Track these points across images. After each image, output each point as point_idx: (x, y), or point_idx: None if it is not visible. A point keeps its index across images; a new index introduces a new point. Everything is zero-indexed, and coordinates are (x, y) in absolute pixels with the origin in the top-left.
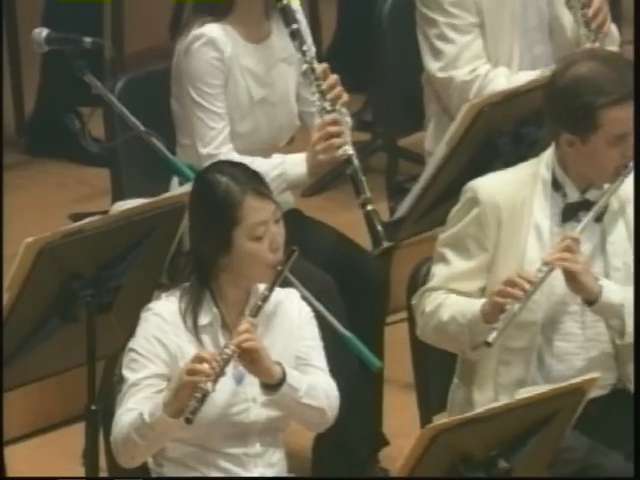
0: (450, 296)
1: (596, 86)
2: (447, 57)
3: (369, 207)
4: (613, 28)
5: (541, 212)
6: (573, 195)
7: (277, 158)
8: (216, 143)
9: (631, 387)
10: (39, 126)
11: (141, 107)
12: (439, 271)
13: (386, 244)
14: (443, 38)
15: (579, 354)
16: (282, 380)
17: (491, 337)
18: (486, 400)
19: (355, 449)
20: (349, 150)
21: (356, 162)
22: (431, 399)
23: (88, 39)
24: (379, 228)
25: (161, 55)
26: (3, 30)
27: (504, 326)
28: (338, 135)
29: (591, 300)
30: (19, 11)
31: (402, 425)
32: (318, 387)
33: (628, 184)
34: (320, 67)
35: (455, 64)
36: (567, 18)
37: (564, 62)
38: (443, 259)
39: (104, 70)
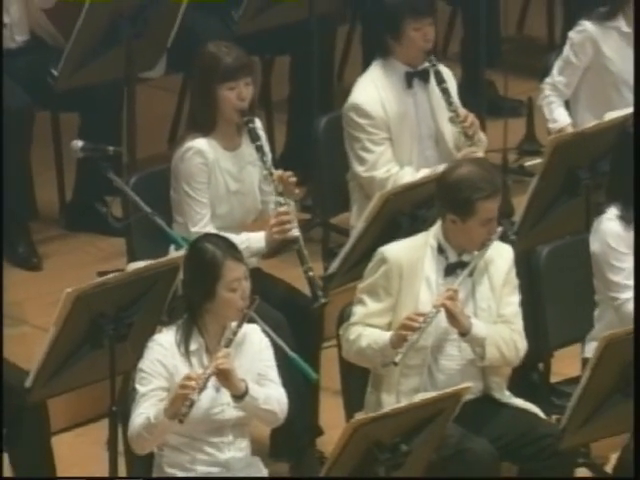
0: (367, 328)
1: (473, 184)
2: (369, 163)
3: (310, 273)
4: (482, 135)
5: (430, 269)
6: (452, 257)
7: (244, 235)
8: (201, 224)
9: (494, 393)
10: (75, 209)
11: (147, 196)
12: (358, 311)
13: (322, 300)
14: (365, 149)
15: (457, 369)
16: (245, 393)
17: (397, 358)
18: (391, 402)
19: (299, 437)
20: (296, 232)
21: (301, 241)
22: (353, 401)
23: (111, 148)
24: (317, 289)
25: (162, 160)
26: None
27: (407, 350)
28: (288, 222)
29: (464, 333)
30: (62, 126)
31: (333, 420)
32: (272, 397)
33: (491, 250)
34: (276, 173)
35: (375, 167)
36: (447, 130)
37: (450, 165)
38: (361, 302)
39: (122, 170)
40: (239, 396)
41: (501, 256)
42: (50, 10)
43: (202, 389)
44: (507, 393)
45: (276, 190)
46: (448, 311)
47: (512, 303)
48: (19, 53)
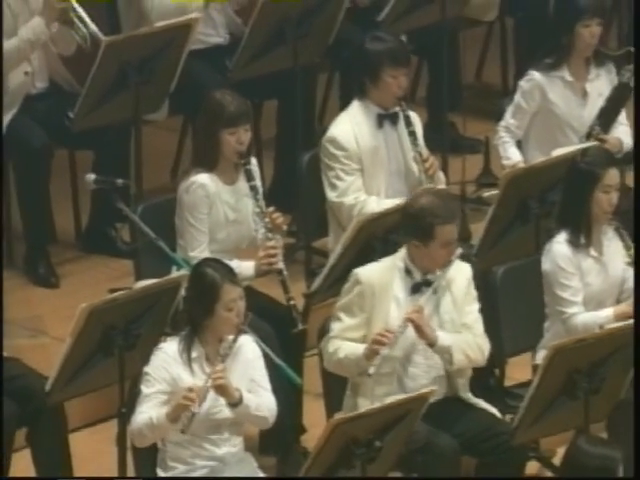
0: (344, 342)
1: (432, 212)
2: (339, 190)
3: (292, 302)
4: (441, 174)
5: (398, 288)
6: (418, 277)
7: (236, 262)
8: (199, 250)
9: (460, 394)
10: (90, 234)
11: (152, 223)
12: (336, 326)
13: (300, 327)
14: (338, 178)
15: (424, 376)
16: (240, 401)
17: (371, 370)
18: (366, 405)
19: (286, 435)
20: (281, 265)
21: (284, 272)
22: (332, 403)
23: (120, 181)
24: (297, 317)
25: (165, 191)
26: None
27: (379, 362)
28: (275, 255)
29: (431, 344)
30: (78, 162)
31: (315, 419)
32: (263, 404)
33: (451, 269)
34: (268, 212)
35: (345, 194)
36: (415, 167)
37: (413, 196)
38: (338, 318)
39: (130, 200)
40: (234, 404)
41: (461, 273)
42: (68, 59)
43: (202, 401)
44: (470, 394)
45: (266, 226)
46: (415, 325)
47: (472, 312)
48: (40, 98)
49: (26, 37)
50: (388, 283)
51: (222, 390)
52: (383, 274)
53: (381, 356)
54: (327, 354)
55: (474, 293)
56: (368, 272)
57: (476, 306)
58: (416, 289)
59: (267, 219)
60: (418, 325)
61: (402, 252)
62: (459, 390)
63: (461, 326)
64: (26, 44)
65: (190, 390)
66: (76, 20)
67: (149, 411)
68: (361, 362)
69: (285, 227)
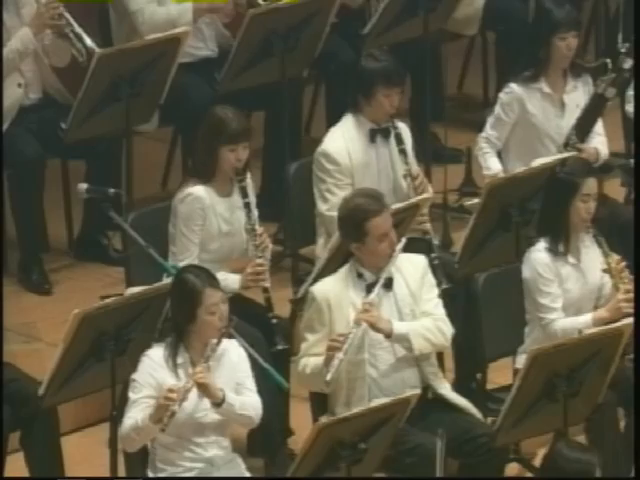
0: (309, 358)
1: (357, 210)
2: (331, 203)
3: (274, 321)
4: (430, 189)
5: (354, 294)
6: (369, 278)
7: (222, 275)
8: (189, 260)
9: (433, 384)
10: (82, 242)
11: (143, 231)
12: (303, 346)
13: (280, 347)
14: (329, 191)
15: (396, 370)
16: (223, 400)
17: (328, 376)
18: (345, 411)
19: (273, 437)
20: (267, 284)
21: (270, 291)
22: (318, 407)
23: (111, 190)
24: (279, 337)
25: (155, 200)
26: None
27: (336, 367)
28: (262, 273)
29: (387, 335)
30: (70, 172)
31: (301, 422)
32: (247, 403)
33: (405, 263)
34: (259, 229)
35: (336, 208)
36: (404, 182)
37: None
38: (304, 338)
39: (121, 209)
40: (218, 403)
41: (414, 265)
42: (61, 71)
43: (183, 400)
44: (447, 385)
45: (255, 245)
46: (368, 322)
47: (431, 299)
48: (33, 109)
49: (14, 47)
50: (343, 292)
51: (204, 388)
52: (336, 285)
53: (339, 361)
54: (298, 374)
55: (432, 281)
56: (322, 287)
57: (434, 293)
58: (370, 289)
59: (257, 239)
60: (368, 321)
61: (352, 260)
62: (431, 380)
63: (421, 314)
64: (15, 54)
65: (171, 390)
66: (71, 35)
67: (135, 415)
68: (322, 372)
69: (271, 246)
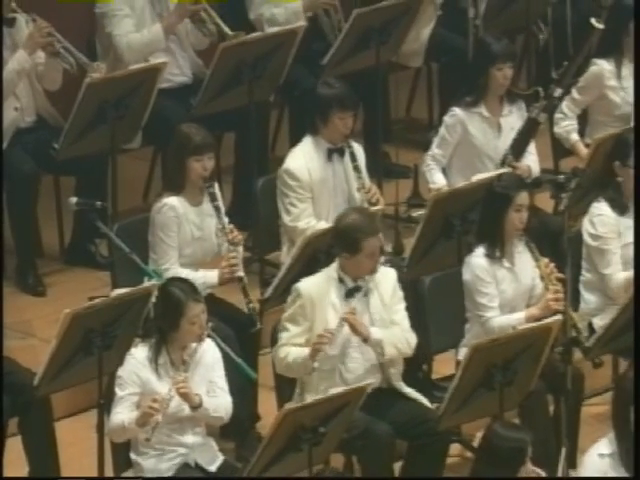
0: (291, 348)
1: (357, 228)
2: (293, 215)
3: (250, 305)
4: (381, 200)
5: (334, 296)
6: (350, 284)
7: (201, 273)
8: (169, 263)
9: (393, 383)
10: (72, 249)
11: (127, 239)
12: (284, 335)
13: (258, 326)
14: (292, 204)
15: (361, 368)
16: (200, 405)
17: (315, 364)
18: (312, 398)
19: (243, 422)
20: (241, 273)
21: (245, 280)
22: (283, 395)
23: (99, 203)
24: (255, 318)
25: (138, 211)
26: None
27: (322, 359)
28: (236, 265)
29: (365, 339)
30: (62, 186)
31: (268, 409)
32: (220, 405)
33: (379, 275)
34: (229, 227)
35: (298, 219)
36: (358, 195)
37: (340, 215)
38: (285, 328)
39: (107, 219)
40: (194, 407)
41: (387, 277)
42: (53, 95)
43: (166, 409)
44: (402, 383)
45: (228, 241)
46: (350, 324)
47: (399, 310)
48: (29, 131)
49: (12, 68)
50: (325, 292)
51: (184, 397)
52: (320, 285)
53: (323, 353)
54: (278, 360)
55: (400, 294)
56: (306, 285)
57: (402, 305)
58: (349, 294)
59: (229, 235)
60: (352, 324)
61: (335, 264)
62: (392, 379)
63: (390, 323)
64: (13, 74)
65: (154, 401)
66: (62, 50)
67: (123, 412)
68: (307, 362)
69: (242, 241)
